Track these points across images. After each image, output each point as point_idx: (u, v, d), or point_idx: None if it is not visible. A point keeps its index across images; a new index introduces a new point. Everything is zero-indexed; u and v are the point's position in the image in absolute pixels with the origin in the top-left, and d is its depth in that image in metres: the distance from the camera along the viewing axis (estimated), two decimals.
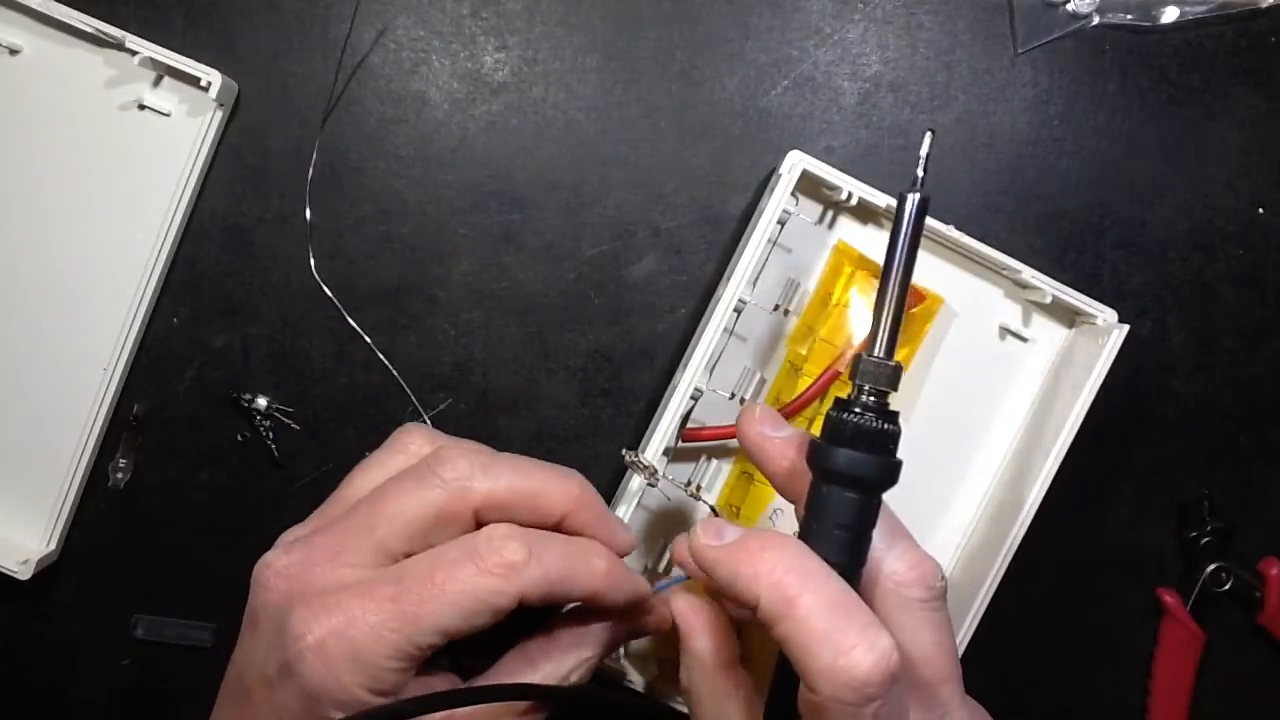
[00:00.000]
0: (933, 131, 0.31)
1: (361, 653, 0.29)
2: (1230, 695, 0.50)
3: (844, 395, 0.31)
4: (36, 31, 0.44)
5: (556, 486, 0.33)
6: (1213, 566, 0.48)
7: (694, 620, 0.35)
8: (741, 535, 0.30)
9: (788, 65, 0.46)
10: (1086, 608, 0.49)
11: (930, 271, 0.45)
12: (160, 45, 0.43)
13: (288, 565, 0.31)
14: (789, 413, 0.43)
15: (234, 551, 0.48)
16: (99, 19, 0.43)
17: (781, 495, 0.34)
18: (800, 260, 0.45)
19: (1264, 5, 0.46)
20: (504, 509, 0.32)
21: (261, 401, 0.46)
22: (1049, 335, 0.46)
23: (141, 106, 0.44)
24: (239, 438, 0.47)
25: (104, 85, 0.44)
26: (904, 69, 0.46)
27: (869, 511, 0.30)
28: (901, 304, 0.30)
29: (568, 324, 0.47)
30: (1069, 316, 0.46)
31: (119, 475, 0.46)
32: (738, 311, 0.43)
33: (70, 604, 0.48)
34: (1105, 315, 0.43)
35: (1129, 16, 0.46)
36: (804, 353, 0.44)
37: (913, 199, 0.30)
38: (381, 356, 0.46)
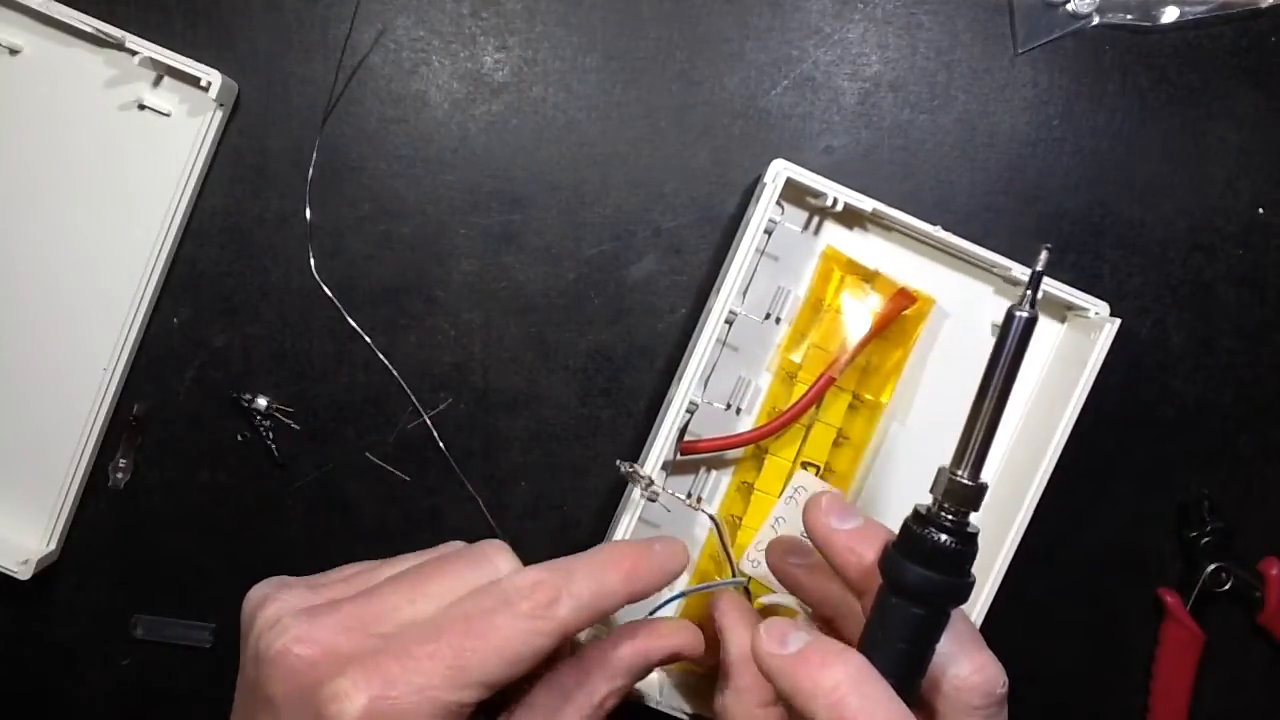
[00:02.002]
0: (1049, 249, 0.29)
1: (406, 716, 0.28)
2: (1230, 695, 0.50)
3: (923, 508, 0.30)
4: (36, 31, 0.44)
5: (616, 578, 0.32)
6: (1213, 566, 0.48)
7: (744, 646, 0.35)
8: (805, 645, 0.29)
9: (788, 65, 0.46)
10: (1086, 608, 0.49)
11: (920, 272, 0.45)
12: (160, 45, 0.43)
13: (310, 635, 0.29)
14: (785, 421, 0.43)
15: (234, 551, 0.48)
16: (99, 19, 0.43)
17: (849, 587, 0.34)
18: (789, 267, 0.45)
19: (1264, 5, 0.46)
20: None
21: (261, 401, 0.46)
22: (1042, 331, 0.46)
23: (141, 106, 0.44)
24: (239, 438, 0.47)
25: (104, 85, 0.44)
26: (904, 69, 0.46)
27: (936, 627, 0.29)
28: (995, 425, 0.29)
29: (568, 324, 0.47)
30: (1061, 311, 0.46)
31: (119, 475, 0.46)
32: (729, 323, 0.43)
33: (70, 604, 0.47)
34: (1097, 308, 0.43)
35: (1129, 16, 0.46)
36: (797, 360, 0.44)
37: (1019, 318, 0.29)
38: (381, 356, 0.46)
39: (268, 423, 0.46)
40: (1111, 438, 0.48)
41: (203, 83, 0.43)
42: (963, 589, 0.29)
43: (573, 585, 0.31)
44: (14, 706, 0.48)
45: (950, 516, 0.29)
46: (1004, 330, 0.29)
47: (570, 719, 0.32)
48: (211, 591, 0.48)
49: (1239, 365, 0.48)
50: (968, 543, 0.29)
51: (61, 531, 0.46)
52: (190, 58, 0.43)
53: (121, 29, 0.43)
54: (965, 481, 0.29)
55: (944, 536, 0.29)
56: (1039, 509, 0.43)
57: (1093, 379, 0.43)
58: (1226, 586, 0.48)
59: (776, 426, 0.43)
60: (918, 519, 0.30)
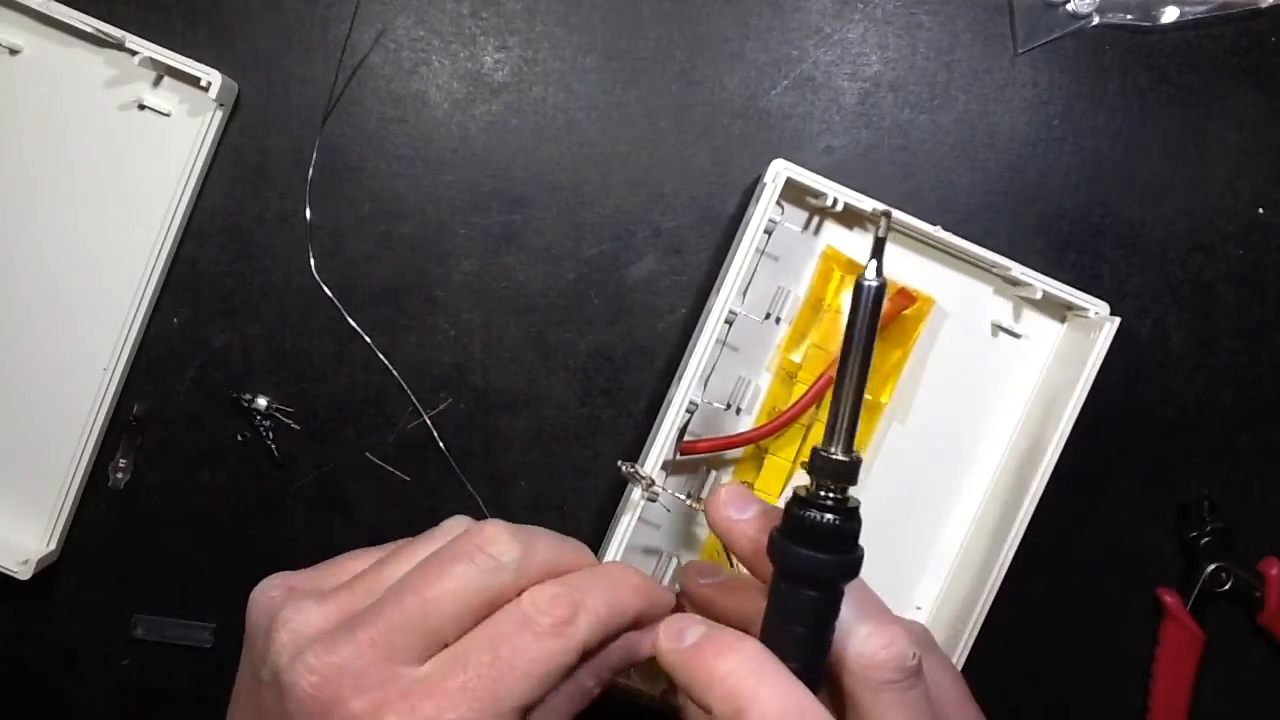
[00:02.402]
0: (888, 216, 0.29)
1: None
2: (1230, 695, 0.50)
3: (802, 490, 0.30)
4: (36, 31, 0.44)
5: (631, 599, 0.32)
6: (1213, 566, 0.48)
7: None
8: (700, 637, 0.29)
9: (788, 65, 0.46)
10: (1086, 608, 0.49)
11: (920, 272, 0.45)
12: (160, 45, 0.43)
13: (331, 665, 0.28)
14: (785, 420, 0.43)
15: (234, 551, 0.48)
16: (99, 19, 0.43)
17: (752, 575, 0.33)
18: (789, 268, 0.45)
19: (1264, 5, 0.46)
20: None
21: (261, 401, 0.46)
22: (1042, 331, 0.46)
23: (141, 106, 0.44)
24: (239, 438, 0.47)
25: (104, 85, 0.44)
26: (904, 69, 0.46)
27: (830, 606, 0.29)
28: (860, 395, 0.29)
29: (568, 324, 0.47)
30: (1061, 311, 0.46)
31: (119, 475, 0.46)
32: (729, 323, 0.43)
33: (70, 604, 0.48)
34: (1097, 308, 0.43)
35: (1129, 16, 0.46)
36: (797, 360, 0.44)
37: (869, 287, 0.29)
38: (381, 356, 0.46)
39: (268, 423, 0.46)
40: (1111, 438, 0.48)
41: (203, 83, 0.43)
42: (850, 565, 0.29)
43: (589, 599, 0.30)
44: (14, 706, 0.48)
45: (829, 495, 0.29)
46: (854, 301, 0.29)
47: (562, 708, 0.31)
48: (211, 591, 0.48)
49: (1239, 365, 0.48)
50: (849, 518, 0.29)
51: (61, 531, 0.46)
52: (190, 58, 0.43)
53: (121, 29, 0.43)
54: (839, 458, 0.29)
55: (825, 515, 0.29)
56: (1039, 509, 0.43)
57: (1092, 378, 0.43)
58: (1226, 586, 0.48)
59: (776, 426, 0.43)
60: (798, 501, 0.29)
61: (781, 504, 0.31)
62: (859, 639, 0.30)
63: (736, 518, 0.33)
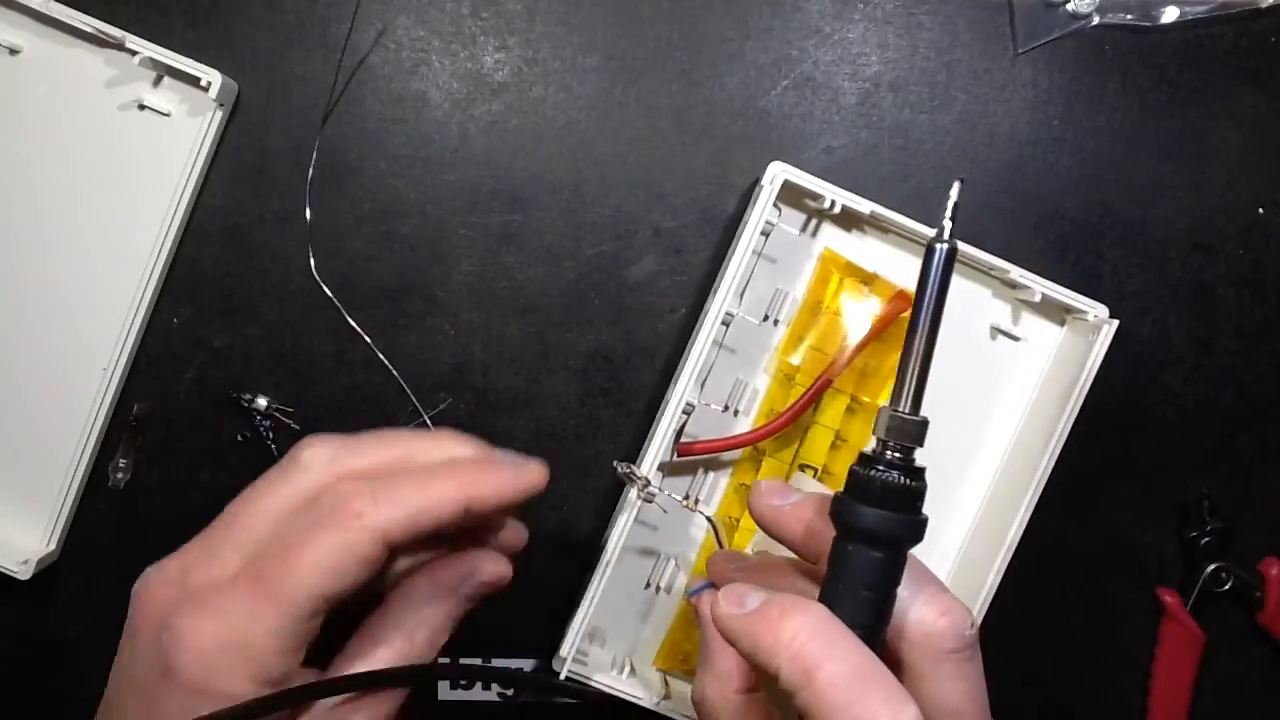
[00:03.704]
0: (963, 180, 0.29)
1: (240, 642, 0.28)
2: (1230, 695, 0.50)
3: (868, 450, 0.30)
4: (36, 31, 0.44)
5: (425, 446, 0.32)
6: (1213, 566, 0.48)
7: (719, 634, 0.34)
8: (763, 602, 0.29)
9: (788, 65, 0.46)
10: (1086, 608, 0.49)
11: (917, 274, 0.45)
12: (160, 45, 0.43)
13: (162, 576, 0.30)
14: (782, 423, 0.43)
15: None
16: (99, 19, 0.43)
17: (803, 558, 0.34)
18: (787, 269, 0.45)
19: (1264, 5, 0.46)
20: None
21: (261, 401, 0.46)
22: (1041, 333, 0.46)
23: (141, 106, 0.44)
24: (239, 438, 0.47)
25: (104, 85, 0.44)
26: (904, 69, 0.46)
27: (895, 569, 0.29)
28: (929, 357, 0.29)
29: (568, 324, 0.47)
30: (1060, 314, 0.46)
31: (119, 475, 0.46)
32: (726, 324, 0.43)
33: (70, 604, 0.47)
34: (1096, 311, 0.43)
35: (1129, 16, 0.46)
36: (795, 362, 0.44)
37: (941, 249, 0.29)
38: (381, 356, 0.46)
39: (268, 423, 0.46)
40: (1111, 438, 0.48)
41: (203, 83, 0.43)
42: (918, 526, 0.29)
43: (395, 491, 0.30)
44: (14, 706, 0.48)
45: (896, 454, 0.29)
46: (925, 263, 0.29)
47: (383, 657, 0.32)
48: None
49: (1239, 365, 0.48)
50: (917, 478, 0.29)
51: (61, 531, 0.46)
52: (190, 58, 0.43)
53: (121, 29, 0.43)
54: (907, 416, 0.29)
55: (893, 473, 0.28)
56: (1040, 509, 0.43)
57: (1090, 381, 0.43)
58: (1226, 586, 0.48)
59: (774, 428, 0.43)
60: (863, 461, 0.29)
61: (811, 488, 0.30)
62: (919, 607, 0.30)
63: (780, 504, 0.33)
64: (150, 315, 0.45)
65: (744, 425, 0.45)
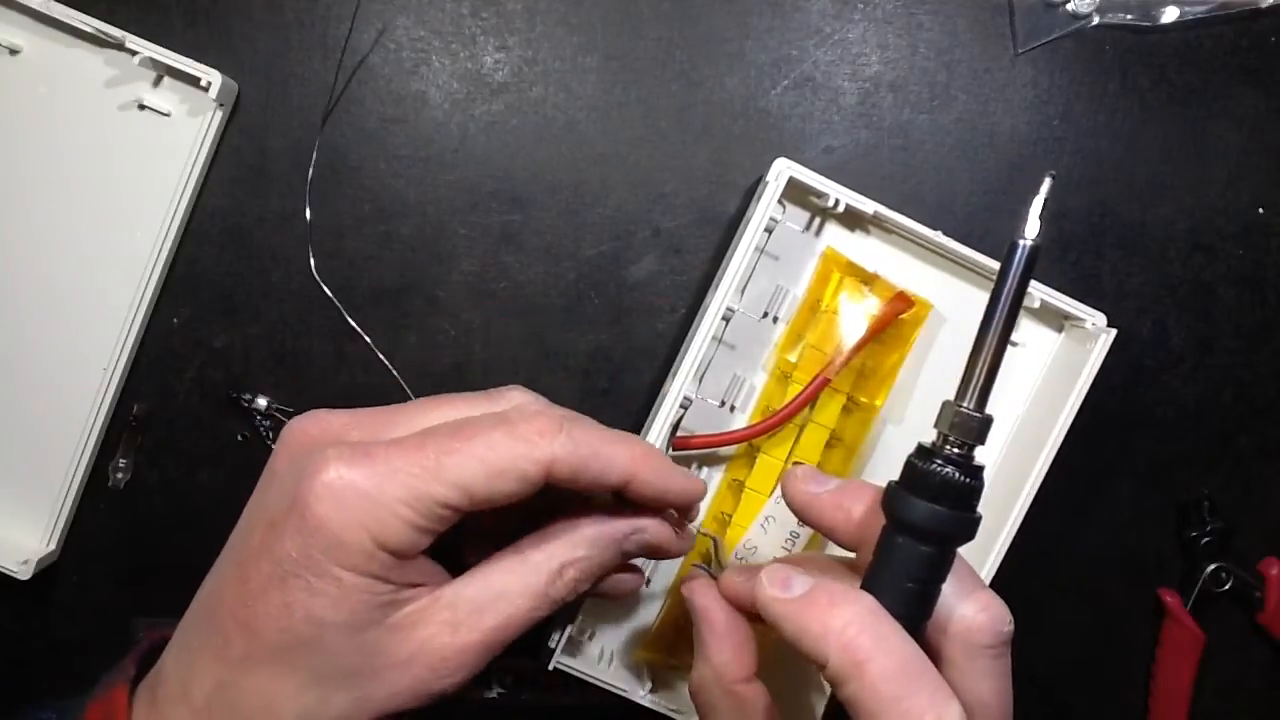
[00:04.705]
0: (1054, 176, 0.28)
1: (377, 494, 0.28)
2: (1230, 695, 0.50)
3: (928, 444, 0.29)
4: (36, 31, 0.44)
5: (620, 449, 0.31)
6: (1213, 566, 0.48)
7: (715, 626, 0.35)
8: (810, 588, 0.29)
9: (788, 65, 0.46)
10: (1086, 608, 0.49)
11: (918, 277, 0.45)
12: (160, 45, 0.43)
13: (320, 422, 0.31)
14: (779, 420, 0.43)
15: None
16: (99, 19, 0.43)
17: (839, 545, 0.33)
18: (788, 267, 0.45)
19: (1264, 5, 0.46)
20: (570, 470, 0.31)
21: (261, 401, 0.46)
22: (1039, 339, 0.46)
23: (141, 106, 0.44)
24: (239, 438, 0.47)
25: (104, 85, 0.44)
26: (904, 69, 0.46)
27: (944, 565, 0.29)
28: (1000, 355, 0.28)
29: (568, 324, 0.47)
30: (1058, 321, 0.46)
31: (119, 475, 0.46)
32: (726, 320, 0.43)
33: (70, 604, 0.48)
34: (1094, 319, 0.43)
35: (1129, 16, 0.46)
36: (793, 360, 0.44)
37: (1023, 246, 0.28)
38: (381, 356, 0.46)
39: (268, 423, 0.46)
40: (1111, 438, 0.48)
41: (203, 83, 0.43)
42: (972, 524, 0.29)
43: (577, 429, 0.30)
44: (14, 707, 0.48)
45: (956, 450, 0.28)
46: (1007, 259, 0.28)
47: (525, 583, 0.31)
48: None
49: (1239, 365, 0.48)
50: (975, 476, 0.28)
51: (61, 531, 0.46)
52: (190, 58, 0.43)
53: (121, 29, 0.43)
54: (971, 413, 0.28)
55: (951, 469, 0.28)
56: (1040, 509, 0.43)
57: (1087, 388, 0.43)
58: (1226, 586, 0.48)
59: (770, 425, 0.43)
60: (922, 454, 0.29)
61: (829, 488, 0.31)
62: (959, 602, 0.30)
63: (817, 490, 0.33)
64: (150, 315, 0.45)
65: (740, 421, 0.45)
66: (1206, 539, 0.48)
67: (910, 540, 0.28)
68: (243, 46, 0.45)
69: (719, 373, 0.45)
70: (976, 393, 0.28)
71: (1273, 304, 0.48)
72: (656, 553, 0.34)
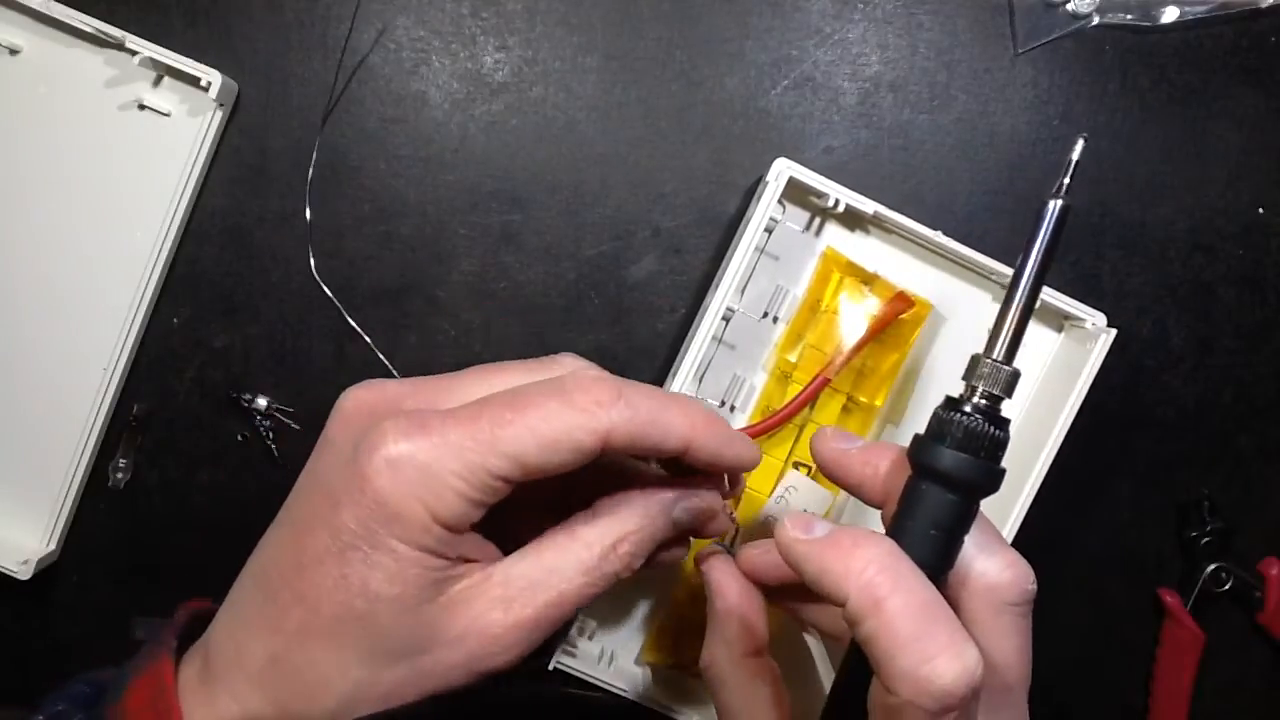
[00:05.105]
0: (1086, 138, 0.29)
1: (433, 466, 0.28)
2: (1230, 695, 0.50)
3: (955, 395, 0.29)
4: (36, 31, 0.44)
5: (678, 414, 0.31)
6: (1213, 566, 0.48)
7: (729, 598, 0.35)
8: (832, 530, 0.29)
9: (788, 65, 0.46)
10: (1086, 608, 0.49)
11: (918, 276, 0.45)
12: (160, 45, 0.43)
13: (375, 392, 0.31)
14: (779, 420, 0.43)
15: (234, 552, 0.47)
16: (99, 19, 0.43)
17: (866, 502, 0.33)
18: (788, 267, 0.45)
19: (1264, 5, 0.46)
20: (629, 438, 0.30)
21: (261, 401, 0.46)
22: (1039, 339, 0.46)
23: (141, 106, 0.44)
24: (239, 438, 0.47)
25: (104, 85, 0.44)
26: (904, 69, 0.46)
27: (967, 515, 0.29)
28: (1029, 310, 0.29)
29: (568, 324, 0.47)
30: (1058, 320, 0.46)
31: (119, 475, 0.46)
32: (726, 320, 0.43)
33: (70, 604, 0.48)
34: (1094, 319, 0.43)
35: (1129, 16, 0.46)
36: (793, 360, 0.44)
37: (1054, 205, 0.28)
38: (381, 356, 0.46)
39: (268, 423, 0.46)
40: (1111, 438, 0.48)
41: (203, 83, 0.43)
42: (997, 475, 0.29)
43: (633, 397, 0.29)
44: (14, 706, 0.48)
45: (984, 400, 0.29)
46: (1037, 219, 0.29)
47: (577, 560, 0.31)
48: (211, 592, 0.48)
49: (1239, 365, 0.48)
50: (1002, 427, 0.28)
51: (61, 531, 0.46)
52: (190, 58, 0.43)
53: (121, 29, 0.43)
54: (1000, 364, 0.29)
55: (979, 418, 0.28)
56: (1040, 509, 0.43)
57: (1087, 388, 0.42)
58: (1226, 586, 0.48)
59: (769, 425, 0.43)
60: (949, 404, 0.29)
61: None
62: (985, 558, 0.30)
63: (846, 447, 0.33)
64: (150, 315, 0.46)
65: (740, 421, 0.45)
66: (1206, 539, 0.48)
67: (935, 487, 0.29)
68: (243, 46, 0.45)
69: (719, 373, 0.45)
70: (1005, 345, 0.29)
71: (1273, 304, 0.48)
72: (703, 524, 0.34)
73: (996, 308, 0.44)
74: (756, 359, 0.45)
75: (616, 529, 0.31)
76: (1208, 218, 0.48)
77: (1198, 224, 0.48)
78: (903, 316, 0.44)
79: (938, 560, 0.29)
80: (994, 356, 0.29)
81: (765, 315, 0.45)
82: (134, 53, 0.43)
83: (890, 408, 0.45)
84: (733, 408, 0.45)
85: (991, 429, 0.28)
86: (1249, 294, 0.48)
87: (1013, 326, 0.29)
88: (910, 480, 0.30)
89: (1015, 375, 0.29)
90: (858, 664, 0.28)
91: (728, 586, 0.36)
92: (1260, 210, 0.48)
